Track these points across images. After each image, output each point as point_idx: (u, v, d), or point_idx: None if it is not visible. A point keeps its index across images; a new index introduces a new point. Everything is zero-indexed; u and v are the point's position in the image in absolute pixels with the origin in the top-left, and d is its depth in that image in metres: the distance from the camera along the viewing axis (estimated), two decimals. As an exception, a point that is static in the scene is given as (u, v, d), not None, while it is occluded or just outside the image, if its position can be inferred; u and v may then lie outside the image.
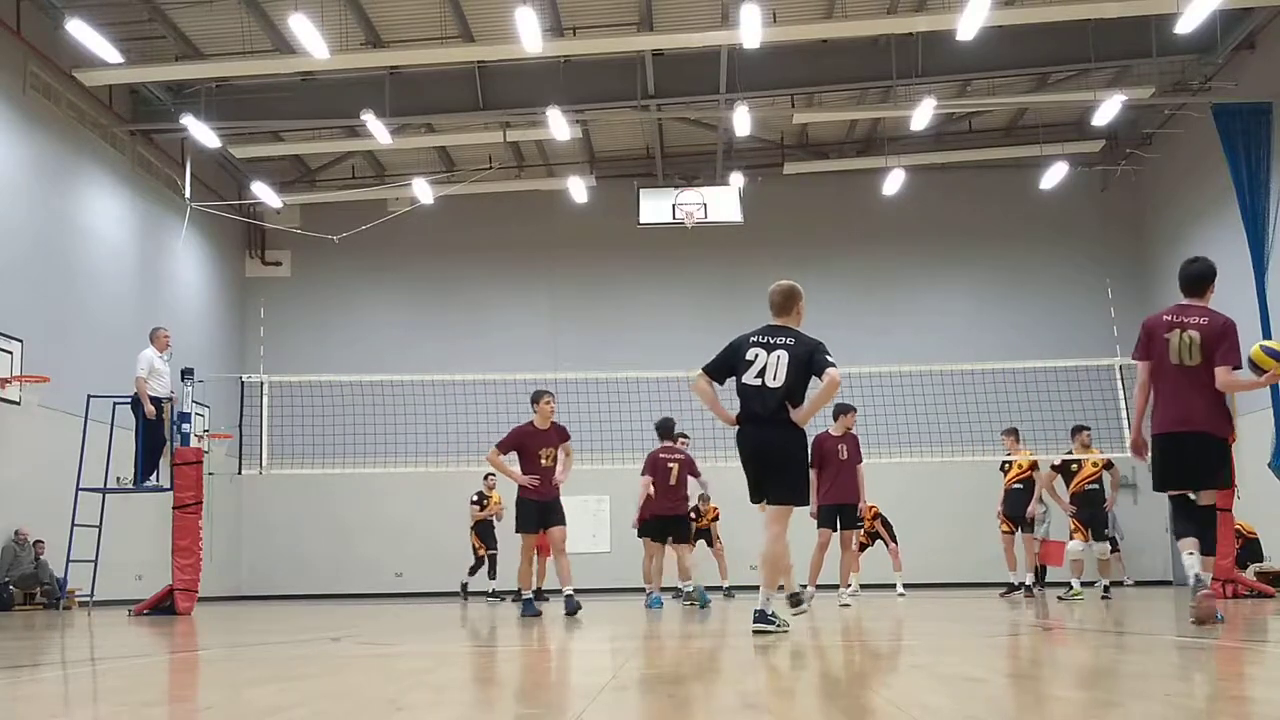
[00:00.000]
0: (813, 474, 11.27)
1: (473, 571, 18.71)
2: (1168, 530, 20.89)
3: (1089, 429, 13.91)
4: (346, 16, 18.24)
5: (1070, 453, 13.83)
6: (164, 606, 12.77)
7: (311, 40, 16.48)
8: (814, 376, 6.79)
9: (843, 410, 12.08)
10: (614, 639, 7.56)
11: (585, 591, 12.69)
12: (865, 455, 12.25)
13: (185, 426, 13.30)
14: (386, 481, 21.20)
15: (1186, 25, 16.55)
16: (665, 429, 13.06)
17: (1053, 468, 13.91)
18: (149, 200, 21.38)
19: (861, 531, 14.82)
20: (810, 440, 7.31)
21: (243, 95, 20.90)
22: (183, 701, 4.26)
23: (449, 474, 18.26)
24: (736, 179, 22.24)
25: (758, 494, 6.99)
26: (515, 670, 5.45)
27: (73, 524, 13.83)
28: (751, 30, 16.44)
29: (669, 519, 12.93)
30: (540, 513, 10.47)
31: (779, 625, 6.82)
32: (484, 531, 18.57)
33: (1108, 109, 19.54)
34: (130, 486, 14.53)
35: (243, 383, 16.95)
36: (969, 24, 16.51)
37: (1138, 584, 20.68)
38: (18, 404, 16.70)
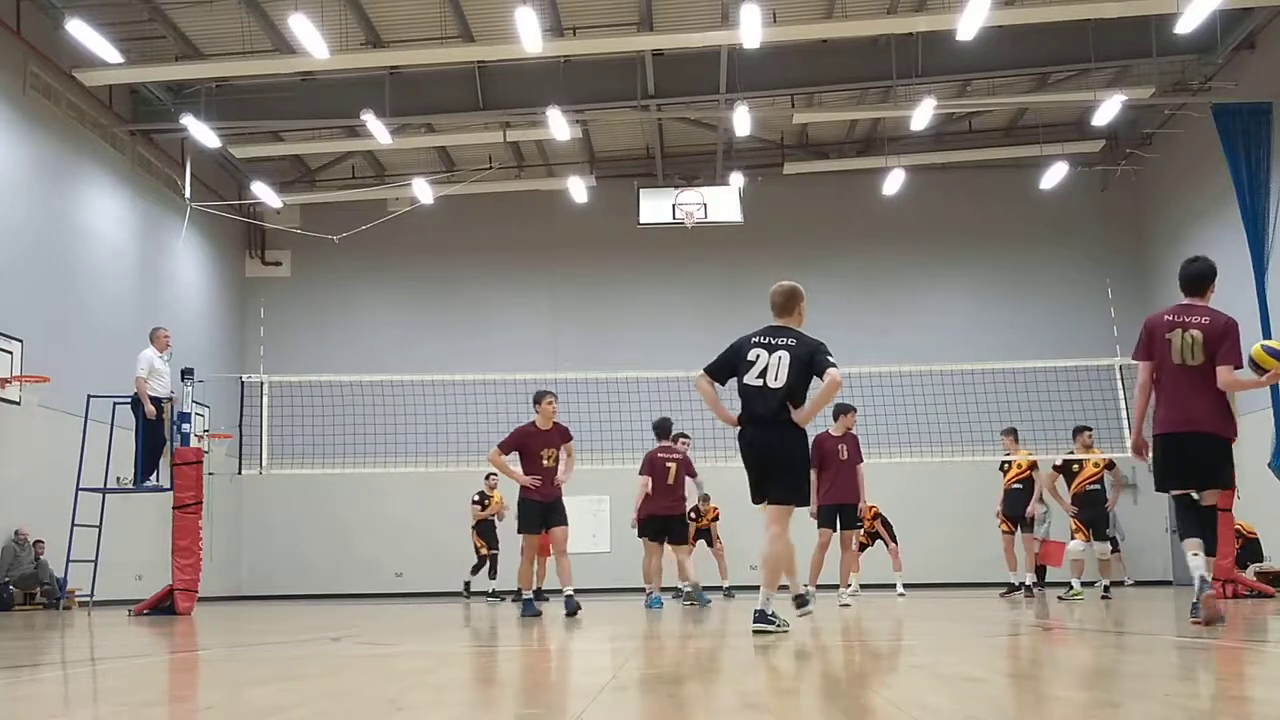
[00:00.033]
0: (813, 474, 11.29)
1: (475, 570, 18.80)
2: (1168, 530, 20.91)
3: (1091, 429, 13.92)
4: (346, 16, 18.24)
5: (1071, 453, 13.84)
6: (164, 606, 12.77)
7: (311, 40, 16.48)
8: (815, 377, 6.81)
9: (843, 410, 12.10)
10: (614, 639, 7.56)
11: (585, 591, 12.71)
12: (865, 455, 12.29)
13: (185, 426, 13.30)
14: (386, 481, 21.20)
15: (1186, 25, 16.54)
16: (663, 429, 13.12)
17: (1054, 468, 13.89)
18: (149, 200, 21.37)
19: (861, 531, 14.83)
20: (810, 440, 7.32)
21: (243, 95, 20.90)
22: (183, 701, 4.26)
23: (449, 474, 18.28)
24: (736, 179, 22.23)
25: (759, 494, 7.00)
26: (515, 670, 5.45)
27: (73, 524, 13.83)
28: (751, 30, 16.44)
29: (666, 518, 12.95)
30: (543, 513, 10.49)
31: (779, 625, 6.83)
32: (485, 531, 18.63)
33: (1108, 109, 19.53)
34: (130, 486, 14.52)
35: (243, 383, 16.96)
36: (969, 24, 16.50)
37: (1138, 584, 20.66)
38: (18, 404, 16.70)
